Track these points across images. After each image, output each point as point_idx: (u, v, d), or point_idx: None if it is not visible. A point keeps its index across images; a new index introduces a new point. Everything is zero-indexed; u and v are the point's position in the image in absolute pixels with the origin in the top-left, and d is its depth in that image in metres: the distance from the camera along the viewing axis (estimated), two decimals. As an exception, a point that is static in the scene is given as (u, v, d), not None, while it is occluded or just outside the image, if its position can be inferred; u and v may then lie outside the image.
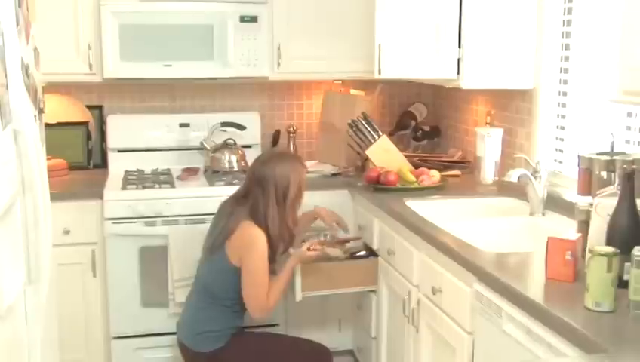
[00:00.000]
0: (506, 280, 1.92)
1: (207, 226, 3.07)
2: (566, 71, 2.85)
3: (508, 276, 1.95)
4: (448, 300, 2.29)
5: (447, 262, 2.28)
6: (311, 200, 3.11)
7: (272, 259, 2.70)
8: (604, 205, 1.90)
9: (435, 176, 3.17)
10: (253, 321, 2.83)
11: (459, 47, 2.93)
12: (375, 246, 3.02)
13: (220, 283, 2.69)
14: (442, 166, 3.44)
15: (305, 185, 2.78)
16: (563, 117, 2.88)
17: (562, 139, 2.89)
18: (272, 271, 2.70)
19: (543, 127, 2.95)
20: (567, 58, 2.84)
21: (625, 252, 1.72)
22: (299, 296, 2.86)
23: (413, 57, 3.07)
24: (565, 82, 2.86)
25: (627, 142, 2.45)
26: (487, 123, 3.35)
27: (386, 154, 3.31)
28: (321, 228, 3.08)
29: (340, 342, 3.33)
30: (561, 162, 2.89)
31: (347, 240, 3.05)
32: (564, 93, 2.87)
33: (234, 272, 2.65)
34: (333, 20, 3.51)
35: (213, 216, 2.84)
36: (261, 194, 2.66)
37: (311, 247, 2.79)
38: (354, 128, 3.37)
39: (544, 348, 1.72)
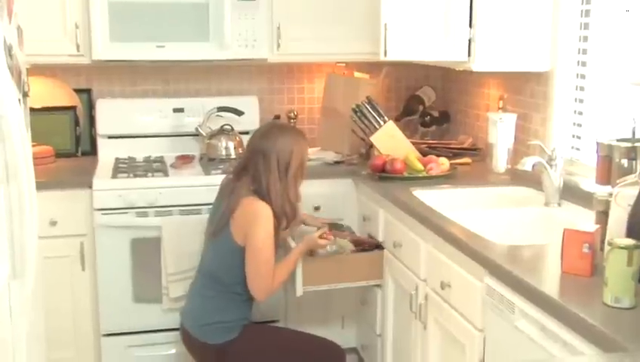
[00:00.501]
0: (519, 273, 1.91)
1: (203, 217, 3.08)
2: (584, 52, 2.84)
3: (521, 269, 1.95)
4: (458, 295, 2.29)
5: (456, 254, 2.27)
6: (312, 189, 3.11)
7: (275, 234, 2.70)
8: (625, 195, 1.90)
9: (444, 164, 3.16)
10: (252, 316, 2.83)
11: (470, 26, 2.92)
12: (380, 239, 3.02)
13: (226, 268, 2.68)
14: (452, 153, 3.45)
15: (306, 162, 2.78)
16: (581, 101, 2.87)
17: (580, 125, 2.88)
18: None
19: (559, 112, 2.94)
20: (585, 38, 2.83)
21: (646, 244, 1.71)
22: (299, 290, 2.86)
23: (421, 38, 3.06)
24: (584, 64, 2.85)
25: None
26: (499, 108, 3.34)
27: (392, 141, 3.31)
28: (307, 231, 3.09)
29: (344, 339, 3.32)
30: (578, 149, 2.88)
31: (363, 242, 3.04)
32: (583, 76, 2.86)
33: (241, 253, 2.64)
34: (337, -2, 3.50)
35: (212, 202, 2.84)
36: (262, 165, 2.66)
37: (323, 235, 2.82)
38: (358, 113, 3.36)
39: (559, 345, 1.72)
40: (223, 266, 2.70)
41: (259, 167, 2.66)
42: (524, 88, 3.17)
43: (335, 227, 3.06)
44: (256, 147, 2.70)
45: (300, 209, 2.90)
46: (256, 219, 2.61)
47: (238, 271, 2.67)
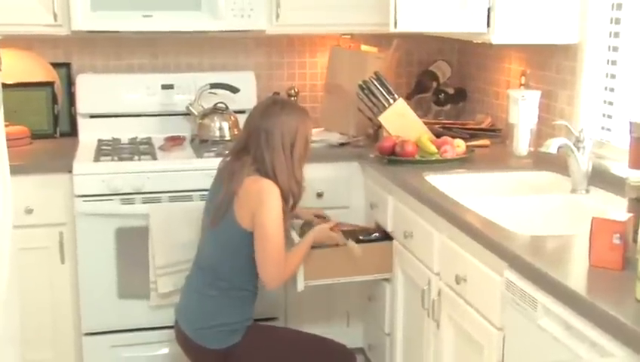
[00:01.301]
0: (543, 266, 1.91)
1: (194, 204, 3.08)
2: (617, 22, 2.82)
3: (544, 262, 1.94)
4: (474, 290, 2.29)
5: (473, 246, 2.27)
6: (314, 173, 3.10)
7: (283, 215, 2.70)
8: (660, 180, 1.89)
9: (459, 146, 3.16)
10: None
11: (489, -7, 2.90)
12: (389, 228, 3.02)
13: (231, 259, 2.68)
14: (468, 135, 3.45)
15: (311, 143, 2.80)
16: (613, 76, 2.85)
17: (611, 103, 2.87)
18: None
19: (588, 89, 2.93)
20: (619, 6, 2.81)
21: (683, 234, 1.71)
22: (301, 285, 2.86)
23: (435, 7, 3.05)
24: (616, 35, 2.83)
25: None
26: (521, 84, 3.33)
27: (402, 121, 3.30)
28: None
29: (349, 338, 3.32)
30: (609, 130, 2.87)
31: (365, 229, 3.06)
32: (615, 49, 2.84)
33: (248, 239, 2.64)
34: (342, -37, 3.48)
35: (205, 188, 2.84)
36: (265, 142, 2.67)
37: (334, 228, 2.87)
38: (365, 90, 3.35)
39: (586, 346, 1.71)
40: (227, 257, 2.69)
41: (261, 145, 2.67)
42: (549, 63, 3.16)
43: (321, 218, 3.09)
44: (256, 126, 2.70)
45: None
46: (264, 197, 2.62)
47: (244, 262, 2.67)
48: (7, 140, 2.37)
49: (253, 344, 2.70)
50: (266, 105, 2.77)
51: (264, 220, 2.61)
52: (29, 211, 3.11)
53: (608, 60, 2.87)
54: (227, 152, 2.84)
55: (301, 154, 2.73)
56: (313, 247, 2.84)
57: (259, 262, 2.65)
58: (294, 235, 2.90)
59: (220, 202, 2.68)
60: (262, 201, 2.61)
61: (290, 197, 2.72)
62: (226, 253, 2.70)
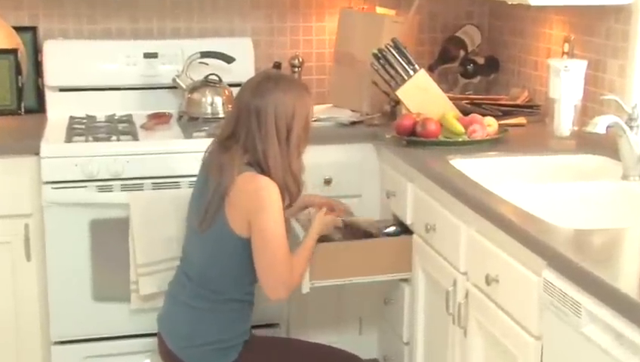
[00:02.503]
0: (588, 266, 1.90)
1: (181, 192, 3.07)
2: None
3: (590, 260, 1.93)
4: (508, 292, 2.29)
5: (506, 241, 2.27)
6: (322, 157, 3.11)
7: None
8: None
9: (490, 125, 3.16)
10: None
11: (526, -55, 2.90)
12: (408, 221, 3.02)
13: (223, 268, 2.68)
14: (501, 112, 3.44)
15: (311, 124, 2.76)
16: (670, 43, 2.84)
17: (669, 74, 2.85)
18: None
19: (642, 58, 2.92)
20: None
21: None
22: (305, 286, 2.87)
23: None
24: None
25: None
26: (564, 53, 3.32)
27: (424, 96, 3.30)
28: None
29: (362, 348, 3.33)
30: (666, 106, 2.85)
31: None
32: (673, 11, 2.82)
33: (241, 247, 2.64)
34: None
35: (196, 177, 2.83)
36: (256, 128, 2.64)
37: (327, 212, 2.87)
38: (381, 60, 3.35)
39: (639, 358, 1.71)
40: (218, 265, 2.68)
41: (251, 132, 2.64)
42: (597, 27, 3.15)
43: None
44: (246, 106, 2.67)
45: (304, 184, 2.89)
46: (262, 200, 2.60)
47: (237, 270, 2.67)
48: (-36, 117, 2.37)
49: (253, 360, 2.72)
50: (258, 82, 2.72)
51: (265, 226, 2.59)
52: (-10, 200, 3.13)
53: (666, 24, 2.87)
54: (213, 140, 2.79)
55: (299, 140, 2.69)
56: (318, 241, 2.84)
57: (262, 274, 2.64)
58: (298, 229, 2.89)
59: (208, 203, 2.65)
60: (261, 206, 2.59)
61: (286, 194, 2.70)
62: (217, 260, 2.68)
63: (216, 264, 2.69)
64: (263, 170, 2.63)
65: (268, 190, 2.61)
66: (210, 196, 2.65)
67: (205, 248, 2.70)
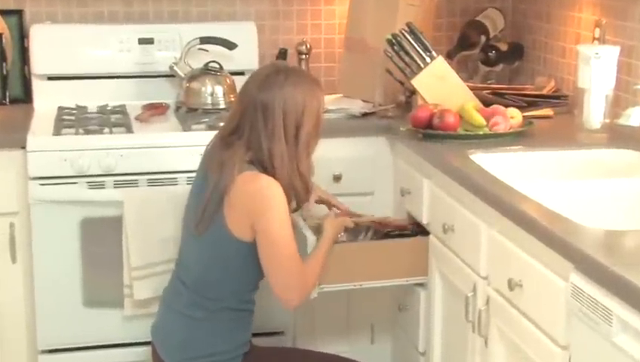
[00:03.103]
0: (620, 269, 1.89)
1: (179, 189, 3.07)
2: None
3: (622, 264, 1.92)
4: (532, 298, 2.28)
5: (531, 242, 2.26)
6: (331, 151, 3.11)
7: None
8: None
9: (514, 117, 3.15)
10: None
11: None
12: (425, 220, 3.02)
13: (221, 274, 2.67)
14: (525, 103, 3.44)
15: (322, 121, 2.74)
16: None
17: None
18: None
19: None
20: None
21: None
22: (314, 290, 2.85)
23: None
24: None
25: None
26: (595, 38, 3.31)
27: (442, 85, 3.30)
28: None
29: (374, 358, 3.35)
30: None
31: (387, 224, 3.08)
32: None
33: (241, 251, 2.63)
34: None
35: (195, 173, 2.83)
36: (262, 124, 2.63)
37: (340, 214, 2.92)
38: (395, 47, 3.35)
39: (675, 370, 1.70)
40: (215, 272, 2.68)
41: (257, 128, 2.63)
42: (630, 10, 3.15)
43: None
44: (252, 101, 2.65)
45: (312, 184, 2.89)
46: (266, 200, 2.59)
47: (237, 276, 2.67)
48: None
49: None
50: (266, 74, 2.70)
51: (269, 226, 2.59)
52: (-28, 197, 3.14)
53: None
54: (215, 135, 2.79)
55: (309, 138, 2.68)
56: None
57: (273, 280, 2.64)
58: (304, 228, 2.89)
59: (206, 203, 2.65)
60: (265, 207, 2.59)
61: (293, 197, 2.70)
62: (215, 265, 2.68)
63: (214, 269, 2.68)
64: (267, 169, 2.62)
65: (270, 189, 2.60)
66: (208, 195, 2.64)
67: (202, 252, 2.70)
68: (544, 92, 3.58)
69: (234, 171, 2.61)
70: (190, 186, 2.85)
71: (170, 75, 3.61)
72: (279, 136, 2.62)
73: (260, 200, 2.60)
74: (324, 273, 2.84)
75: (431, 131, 3.09)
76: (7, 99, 3.67)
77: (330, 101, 3.56)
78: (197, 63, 3.57)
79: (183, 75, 3.56)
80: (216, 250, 2.67)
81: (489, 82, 3.76)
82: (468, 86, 3.39)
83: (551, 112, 3.41)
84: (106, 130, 3.23)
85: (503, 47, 3.86)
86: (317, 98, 2.70)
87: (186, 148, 3.12)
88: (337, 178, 3.33)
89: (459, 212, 2.73)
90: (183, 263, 2.78)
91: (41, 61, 3.59)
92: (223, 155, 2.66)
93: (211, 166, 2.69)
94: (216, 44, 3.59)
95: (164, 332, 2.78)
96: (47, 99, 3.60)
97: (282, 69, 2.74)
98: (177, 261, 2.82)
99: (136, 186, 3.17)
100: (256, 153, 2.63)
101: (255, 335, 2.80)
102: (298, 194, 2.70)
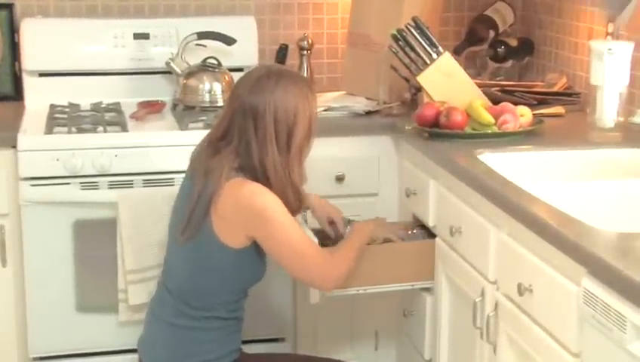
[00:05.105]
0: (634, 274, 1.89)
1: (175, 191, 3.06)
2: None
3: (636, 269, 1.92)
4: (543, 304, 2.28)
5: (541, 246, 2.26)
6: (333, 151, 3.11)
7: None
8: None
9: (524, 115, 3.15)
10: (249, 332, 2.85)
11: None
12: (431, 223, 3.03)
13: (208, 281, 2.66)
14: (536, 100, 3.43)
15: (316, 125, 2.71)
16: None
17: None
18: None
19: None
20: None
21: None
22: (315, 295, 2.88)
23: None
24: None
25: None
26: (608, 33, 3.31)
27: (448, 82, 3.30)
28: None
29: (378, 366, 3.36)
30: None
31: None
32: None
33: (229, 258, 2.63)
34: None
35: (182, 177, 2.83)
36: (253, 130, 2.61)
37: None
38: (400, 42, 3.35)
39: (691, 378, 1.70)
40: (202, 279, 2.66)
41: (247, 135, 2.60)
42: (643, 5, 3.13)
43: None
44: (241, 105, 2.63)
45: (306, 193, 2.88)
46: (261, 210, 2.57)
47: (224, 283, 2.66)
48: None
49: None
50: (257, 77, 2.67)
51: (278, 235, 2.59)
52: (-40, 198, 3.14)
53: None
54: (203, 138, 2.76)
55: (302, 145, 2.66)
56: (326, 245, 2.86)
57: (302, 279, 2.74)
58: (306, 228, 2.89)
59: (192, 210, 2.63)
60: (263, 217, 2.57)
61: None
62: (202, 272, 2.67)
63: (201, 277, 2.67)
64: (258, 178, 2.60)
65: (262, 196, 2.58)
66: (194, 203, 2.63)
67: (188, 259, 2.68)
68: (555, 89, 3.58)
69: (221, 179, 2.58)
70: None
71: (167, 72, 3.61)
72: (271, 144, 2.60)
73: (255, 214, 2.58)
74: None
75: (437, 130, 3.09)
76: (-3, 97, 3.68)
77: (332, 99, 3.56)
78: (194, 59, 3.57)
79: (179, 72, 3.56)
80: (203, 257, 2.65)
81: (498, 79, 3.76)
82: (476, 83, 3.38)
83: (562, 110, 3.41)
84: (100, 128, 3.23)
85: (513, 42, 3.86)
86: (309, 103, 2.67)
87: (183, 147, 3.09)
88: (340, 178, 3.33)
89: (466, 214, 2.73)
90: (168, 271, 2.78)
91: (32, 57, 3.60)
92: (209, 162, 2.64)
93: (198, 172, 2.67)
94: (215, 39, 3.59)
95: (149, 340, 2.78)
96: (38, 96, 3.60)
97: (274, 71, 2.70)
98: (163, 269, 2.81)
99: (132, 187, 3.18)
100: (246, 160, 2.61)
101: (254, 342, 2.81)
102: (290, 204, 2.66)
